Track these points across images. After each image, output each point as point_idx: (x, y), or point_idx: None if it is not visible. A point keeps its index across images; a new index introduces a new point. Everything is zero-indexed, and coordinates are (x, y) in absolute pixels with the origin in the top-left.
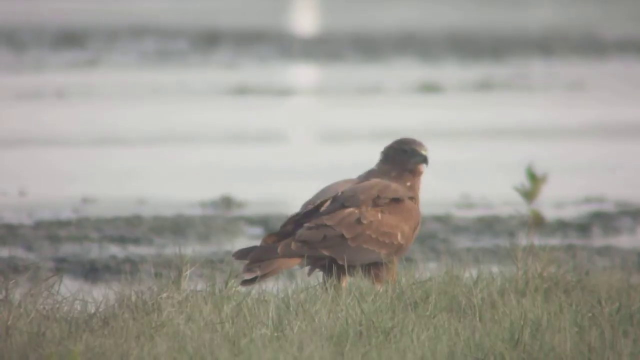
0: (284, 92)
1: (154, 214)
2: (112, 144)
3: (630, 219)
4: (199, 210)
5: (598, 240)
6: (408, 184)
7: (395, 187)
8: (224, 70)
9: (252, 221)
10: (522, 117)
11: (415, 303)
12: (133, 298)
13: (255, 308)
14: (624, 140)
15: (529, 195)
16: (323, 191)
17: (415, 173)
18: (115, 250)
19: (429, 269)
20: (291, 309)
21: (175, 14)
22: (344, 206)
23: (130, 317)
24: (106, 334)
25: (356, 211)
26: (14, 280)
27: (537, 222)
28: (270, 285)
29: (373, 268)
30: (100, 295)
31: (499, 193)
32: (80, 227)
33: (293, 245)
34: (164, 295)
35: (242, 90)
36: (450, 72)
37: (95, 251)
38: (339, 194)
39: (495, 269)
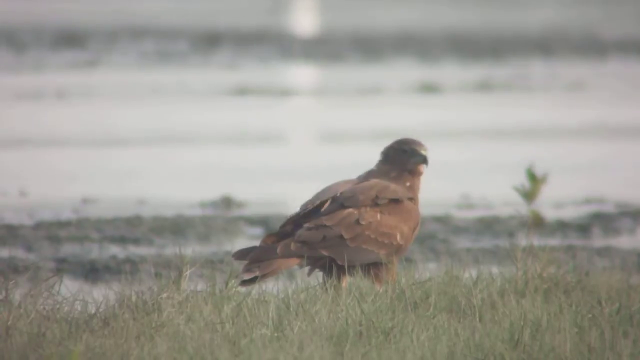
0: (284, 92)
1: (154, 214)
2: (113, 144)
3: (630, 219)
4: (199, 211)
5: (598, 240)
6: (407, 184)
7: (395, 188)
8: (224, 71)
9: (252, 221)
10: (522, 117)
11: (415, 303)
12: (133, 298)
13: (255, 308)
14: (624, 140)
15: (529, 195)
16: (322, 192)
17: (414, 173)
18: (115, 250)
19: (429, 270)
20: (291, 309)
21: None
22: (343, 207)
23: (130, 317)
24: (106, 334)
25: (355, 212)
26: (14, 281)
27: (537, 223)
28: (270, 286)
29: (373, 268)
30: (100, 295)
31: (498, 193)
32: (80, 228)
33: (292, 246)
34: (164, 295)
35: (242, 91)
36: (450, 72)
37: (95, 251)
38: (339, 194)
39: (495, 269)
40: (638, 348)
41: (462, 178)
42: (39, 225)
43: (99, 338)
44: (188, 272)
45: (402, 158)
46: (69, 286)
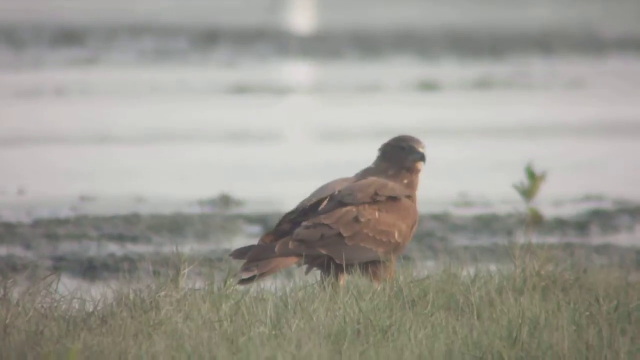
0: (283, 90)
1: (153, 212)
2: (111, 142)
3: (629, 217)
4: (197, 209)
5: (596, 238)
6: (405, 181)
7: (392, 186)
8: (223, 69)
9: (250, 219)
10: (521, 115)
11: (413, 301)
12: (131, 296)
13: (253, 306)
14: (623, 138)
15: (528, 193)
16: (320, 190)
17: (412, 171)
18: (113, 248)
19: (427, 267)
20: (289, 307)
21: (174, 12)
22: (341, 205)
23: (128, 315)
24: (104, 332)
25: (353, 210)
26: (12, 279)
27: (535, 221)
28: (269, 284)
29: (371, 266)
30: (98, 293)
31: (497, 191)
32: (78, 226)
33: (290, 244)
34: (162, 293)
35: (241, 89)
36: (449, 70)
37: (93, 249)
38: (336, 192)
39: (493, 267)
40: (636, 345)
41: (461, 176)
42: (37, 223)
43: (97, 336)
44: (186, 271)
45: (400, 155)
46: (66, 284)
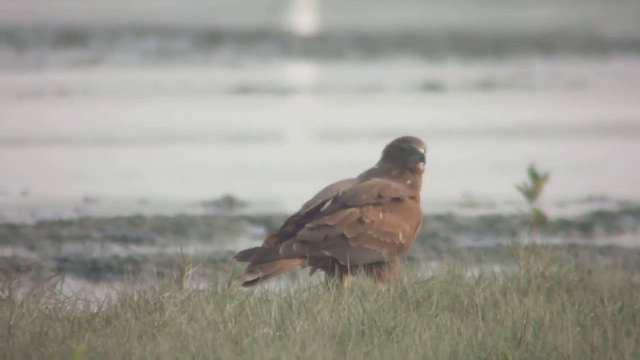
0: (286, 91)
1: (156, 213)
2: (114, 143)
3: (633, 218)
4: (201, 210)
5: (600, 239)
6: (408, 182)
7: (396, 187)
8: (226, 69)
9: (254, 221)
10: (524, 116)
11: (418, 302)
12: (135, 297)
13: (257, 307)
14: (626, 139)
15: (531, 194)
16: (324, 191)
17: (414, 171)
18: (117, 249)
19: (431, 268)
20: (293, 308)
21: (177, 12)
22: (345, 206)
23: (132, 316)
24: (108, 333)
25: (357, 211)
26: (16, 280)
27: (539, 221)
28: (273, 285)
29: (375, 267)
30: (102, 294)
31: (501, 192)
32: (82, 227)
33: (295, 246)
34: (166, 294)
35: (243, 89)
36: (452, 71)
37: (97, 251)
38: (340, 193)
39: (497, 268)
40: None
41: (464, 176)
42: (40, 225)
43: (101, 337)
44: (190, 272)
45: (402, 156)
46: (71, 285)
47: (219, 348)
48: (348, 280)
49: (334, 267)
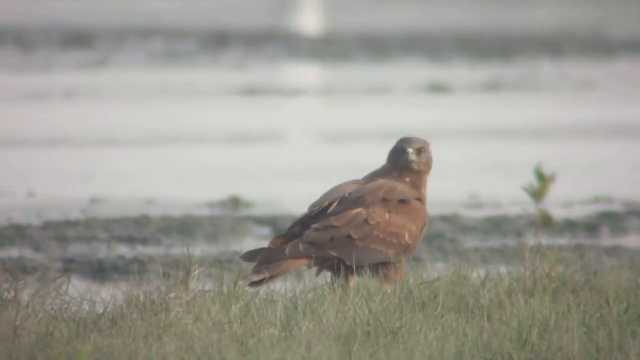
0: (293, 92)
1: (162, 214)
2: (120, 144)
3: (639, 218)
4: (206, 211)
5: (606, 240)
6: (407, 179)
7: (402, 188)
8: (233, 71)
9: (260, 221)
10: (530, 117)
11: (423, 303)
12: (141, 298)
13: (263, 308)
14: (632, 140)
15: (537, 195)
16: (330, 192)
17: (410, 171)
18: (123, 250)
19: (437, 269)
20: (299, 309)
21: (183, 14)
22: (351, 207)
23: (138, 317)
24: (114, 333)
25: (363, 212)
26: (22, 281)
27: (545, 222)
28: (278, 286)
29: (381, 268)
30: (108, 295)
31: (507, 193)
32: (88, 228)
33: (301, 247)
34: (172, 295)
35: (250, 91)
36: (458, 72)
37: (103, 251)
38: (346, 195)
39: (503, 269)
40: None
41: (470, 177)
42: (46, 225)
43: (107, 338)
44: (196, 272)
45: (397, 156)
46: (76, 286)
47: (224, 348)
48: (354, 280)
49: (340, 267)
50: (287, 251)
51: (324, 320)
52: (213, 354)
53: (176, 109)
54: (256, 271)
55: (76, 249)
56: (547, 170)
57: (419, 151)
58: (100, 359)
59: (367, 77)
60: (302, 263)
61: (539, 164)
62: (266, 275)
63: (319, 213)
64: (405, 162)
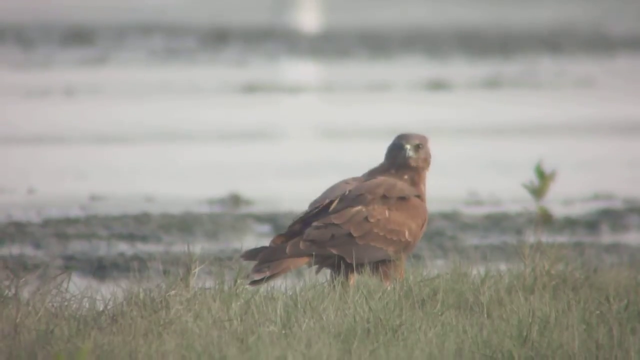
0: (292, 89)
1: (162, 211)
2: (120, 141)
3: (639, 216)
4: (207, 208)
5: (606, 237)
6: (405, 177)
7: (401, 186)
8: (233, 68)
9: (260, 219)
10: (530, 114)
11: (423, 300)
12: (141, 295)
13: (263, 305)
14: (633, 137)
15: (538, 192)
16: (330, 190)
17: (407, 167)
18: (123, 247)
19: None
20: (299, 306)
21: (183, 11)
22: (351, 205)
23: (138, 314)
24: (114, 331)
25: (364, 209)
26: (23, 278)
27: (545, 220)
28: (279, 283)
29: (381, 266)
30: (108, 292)
31: (507, 190)
32: (88, 225)
33: (301, 245)
34: (172, 292)
35: (250, 88)
36: (458, 69)
37: (103, 249)
38: (346, 192)
39: (503, 266)
40: None
41: (470, 175)
42: (47, 223)
43: (107, 335)
44: (197, 270)
45: (395, 153)
46: (77, 283)
47: (224, 346)
48: (354, 278)
49: (340, 265)
50: (287, 250)
51: (324, 317)
52: (213, 351)
53: (176, 106)
54: (257, 270)
55: (76, 247)
56: (547, 168)
57: (417, 147)
58: (101, 357)
59: (366, 74)
60: (302, 261)
61: (539, 161)
62: (267, 274)
63: (319, 211)
64: (403, 158)
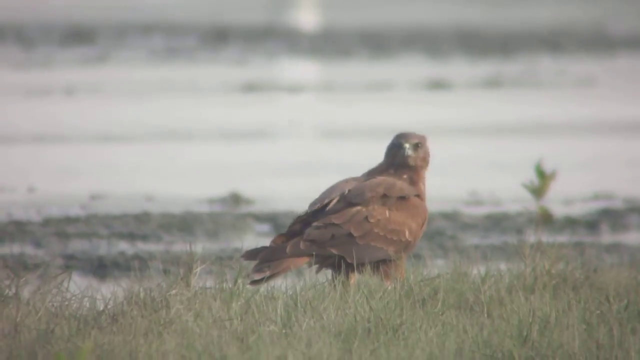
0: (292, 88)
1: (163, 210)
2: (121, 140)
3: (639, 215)
4: (207, 207)
5: (606, 237)
6: (405, 176)
7: (401, 185)
8: (233, 67)
9: (260, 218)
10: (530, 113)
11: (424, 300)
12: (142, 295)
13: (263, 305)
14: (633, 136)
15: (538, 192)
16: (330, 190)
17: (406, 167)
18: (124, 247)
19: (437, 266)
20: (299, 306)
21: (184, 10)
22: (351, 205)
23: (138, 314)
24: (115, 331)
25: (364, 209)
26: (23, 278)
27: (545, 219)
28: (279, 283)
29: (382, 265)
30: (108, 292)
31: (507, 190)
32: (89, 224)
33: (302, 245)
34: (173, 292)
35: (250, 87)
36: (458, 68)
37: (104, 248)
38: (346, 192)
39: (503, 266)
40: None
41: (470, 174)
42: (47, 222)
43: (108, 335)
44: (198, 269)
45: (394, 152)
46: (77, 283)
47: (225, 345)
48: (354, 278)
49: (341, 265)
50: (288, 249)
51: (325, 317)
52: (214, 351)
53: (176, 105)
54: (257, 269)
55: (77, 246)
56: (547, 167)
57: (416, 146)
58: (101, 356)
59: (366, 74)
60: (303, 261)
61: (540, 160)
62: (267, 273)
63: (318, 211)
64: (402, 157)
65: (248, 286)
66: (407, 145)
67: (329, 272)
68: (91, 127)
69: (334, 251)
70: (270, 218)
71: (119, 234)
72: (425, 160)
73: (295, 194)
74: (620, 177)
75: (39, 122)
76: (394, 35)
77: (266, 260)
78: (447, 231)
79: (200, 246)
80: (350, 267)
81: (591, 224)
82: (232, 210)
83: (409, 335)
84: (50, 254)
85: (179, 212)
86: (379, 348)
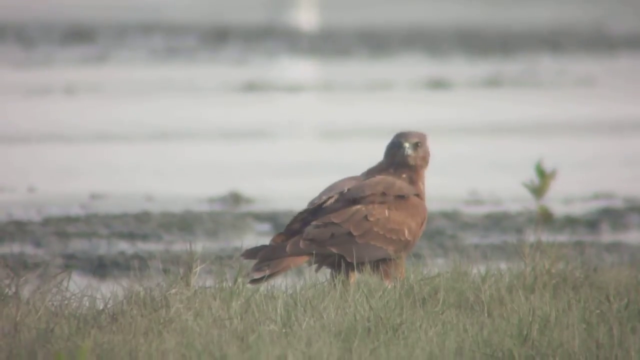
0: (292, 88)
1: (163, 210)
2: (121, 140)
3: (639, 215)
4: (207, 207)
5: (607, 236)
6: (404, 175)
7: (400, 184)
8: (233, 66)
9: (260, 217)
10: (530, 113)
11: (424, 299)
12: (141, 294)
13: (263, 304)
14: (633, 136)
15: (538, 191)
16: (329, 189)
17: (406, 166)
18: (123, 246)
19: (437, 266)
20: (299, 305)
21: (184, 10)
22: (350, 204)
23: (138, 313)
24: (114, 330)
25: (363, 208)
26: (23, 277)
27: (545, 219)
28: (279, 282)
29: (381, 264)
30: (108, 291)
31: (507, 189)
32: (88, 224)
33: (301, 244)
34: (173, 291)
35: (250, 87)
36: (458, 68)
37: (103, 247)
38: (345, 191)
39: (503, 265)
40: None
41: (471, 174)
42: (47, 221)
43: (107, 334)
44: (198, 269)
45: (394, 151)
46: (77, 282)
47: (224, 344)
48: (354, 277)
49: (341, 264)
50: (288, 248)
51: (325, 316)
52: (213, 350)
53: (176, 105)
54: (257, 268)
55: (77, 245)
56: (547, 167)
57: (415, 146)
58: (101, 355)
59: (366, 73)
60: (302, 260)
61: (540, 160)
62: (267, 272)
63: (316, 209)
64: (401, 157)
65: (248, 285)
66: (406, 145)
67: (328, 271)
68: (91, 127)
69: (334, 250)
70: (270, 217)
71: (119, 233)
72: (425, 159)
73: (295, 193)
74: (621, 176)
75: (39, 122)
76: (393, 34)
77: (266, 259)
78: (447, 230)
79: (200, 245)
80: (350, 266)
81: (591, 223)
82: (232, 210)
83: (409, 335)
84: (50, 253)
85: (179, 211)
86: (379, 347)
